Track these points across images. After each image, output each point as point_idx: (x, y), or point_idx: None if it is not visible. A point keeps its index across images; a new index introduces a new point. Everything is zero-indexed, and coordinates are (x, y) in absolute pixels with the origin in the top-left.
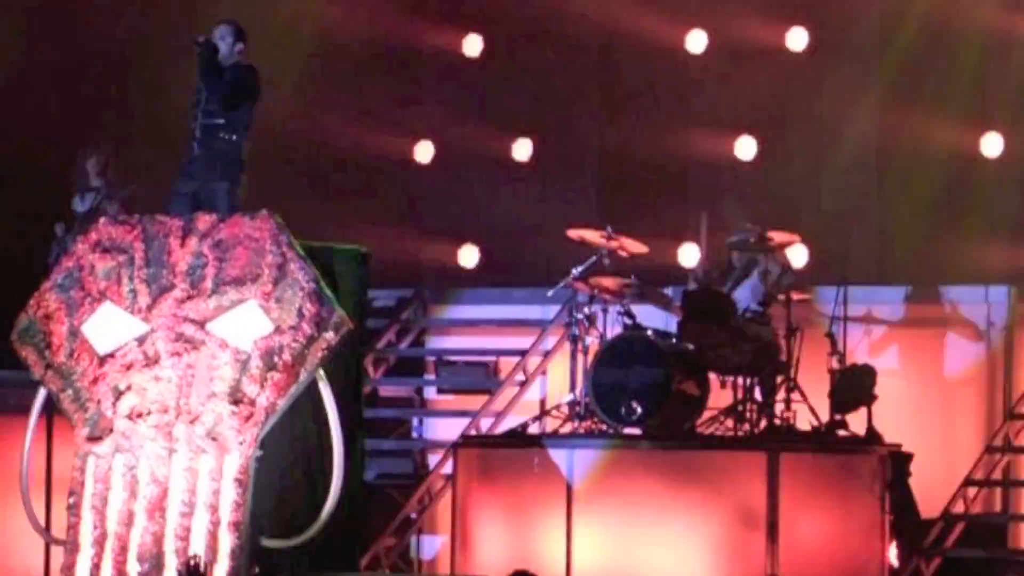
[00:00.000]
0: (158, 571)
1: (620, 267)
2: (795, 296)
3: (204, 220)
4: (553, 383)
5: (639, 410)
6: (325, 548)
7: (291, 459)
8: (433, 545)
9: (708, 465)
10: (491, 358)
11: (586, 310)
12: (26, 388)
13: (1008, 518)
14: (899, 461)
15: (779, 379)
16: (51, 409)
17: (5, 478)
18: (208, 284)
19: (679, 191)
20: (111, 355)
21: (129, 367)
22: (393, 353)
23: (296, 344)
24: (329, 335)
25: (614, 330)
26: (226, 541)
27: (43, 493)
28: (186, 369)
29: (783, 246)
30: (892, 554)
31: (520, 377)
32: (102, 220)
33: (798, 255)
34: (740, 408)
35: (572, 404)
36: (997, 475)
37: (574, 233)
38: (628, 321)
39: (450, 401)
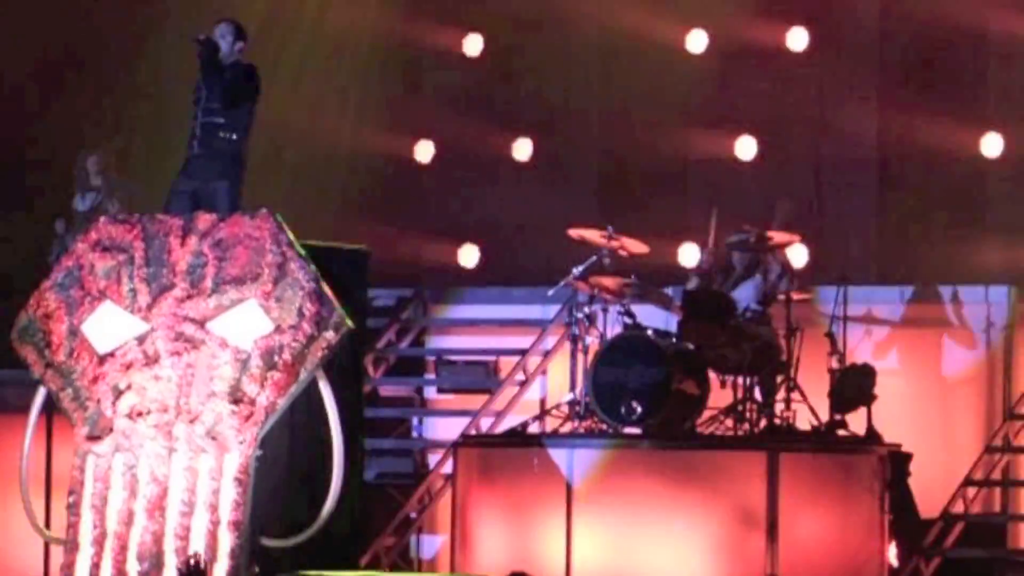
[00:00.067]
0: (158, 570)
1: (620, 267)
2: (795, 296)
3: (204, 219)
4: (553, 383)
5: (639, 410)
6: (325, 547)
7: (291, 458)
8: (433, 544)
9: (708, 465)
10: (491, 357)
11: (586, 309)
12: (26, 387)
13: (1007, 518)
14: (899, 461)
15: (779, 379)
16: (51, 408)
17: (5, 477)
18: (208, 283)
19: (679, 191)
20: (111, 354)
21: (129, 366)
22: (393, 352)
23: (296, 343)
24: (329, 334)
25: (614, 330)
26: (226, 540)
27: (43, 492)
28: (186, 368)
29: (783, 246)
30: (891, 554)
31: (520, 377)
32: (102, 219)
33: (798, 255)
34: (740, 408)
35: (572, 404)
36: (996, 475)
37: (574, 233)
38: (628, 320)
39: (450, 400)
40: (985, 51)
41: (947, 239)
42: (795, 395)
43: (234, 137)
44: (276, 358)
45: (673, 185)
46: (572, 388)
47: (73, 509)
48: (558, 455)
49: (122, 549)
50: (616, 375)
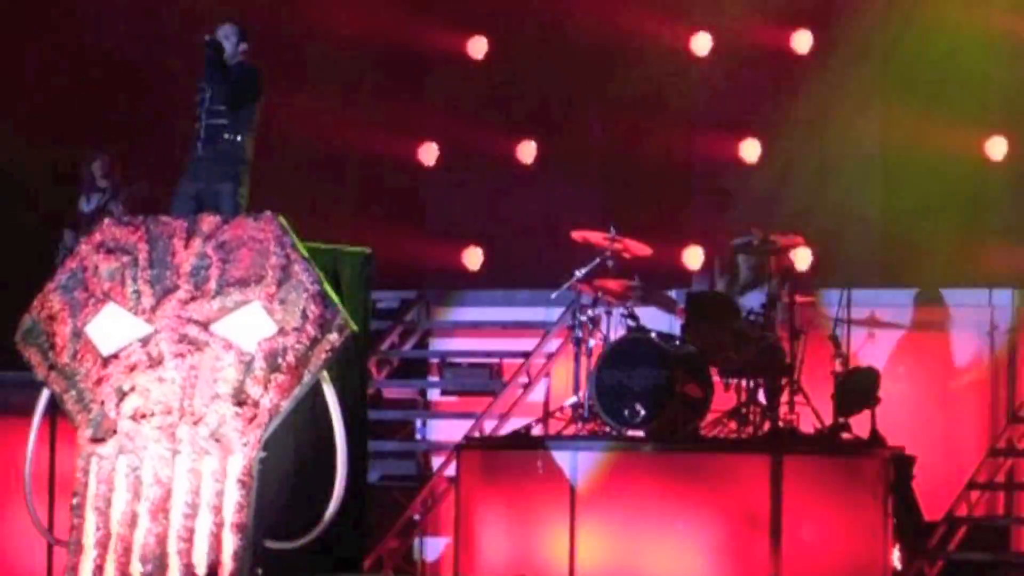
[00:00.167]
0: (161, 572)
1: (624, 269)
2: (799, 299)
3: (208, 221)
4: (556, 385)
5: (642, 412)
6: (328, 550)
7: (294, 461)
8: (436, 547)
9: (711, 467)
10: (495, 360)
11: (590, 312)
12: (30, 389)
13: (1011, 521)
14: (902, 464)
15: (783, 382)
16: (55, 410)
17: (9, 479)
18: (212, 285)
19: (683, 193)
20: (115, 356)
21: (133, 368)
22: (397, 355)
23: (300, 346)
24: (333, 337)
25: (617, 332)
26: (229, 542)
27: (46, 494)
28: (190, 370)
29: (787, 249)
30: (895, 557)
31: (524, 379)
32: (106, 221)
33: (802, 258)
34: (743, 410)
35: (575, 406)
36: (1000, 478)
37: (578, 235)
38: (631, 323)
39: (454, 403)
40: (990, 54)
41: (951, 242)
42: (799, 398)
43: (238, 139)
44: (280, 360)
45: (677, 187)
46: (575, 391)
47: (77, 511)
48: (561, 458)
49: (125, 551)
50: (619, 378)
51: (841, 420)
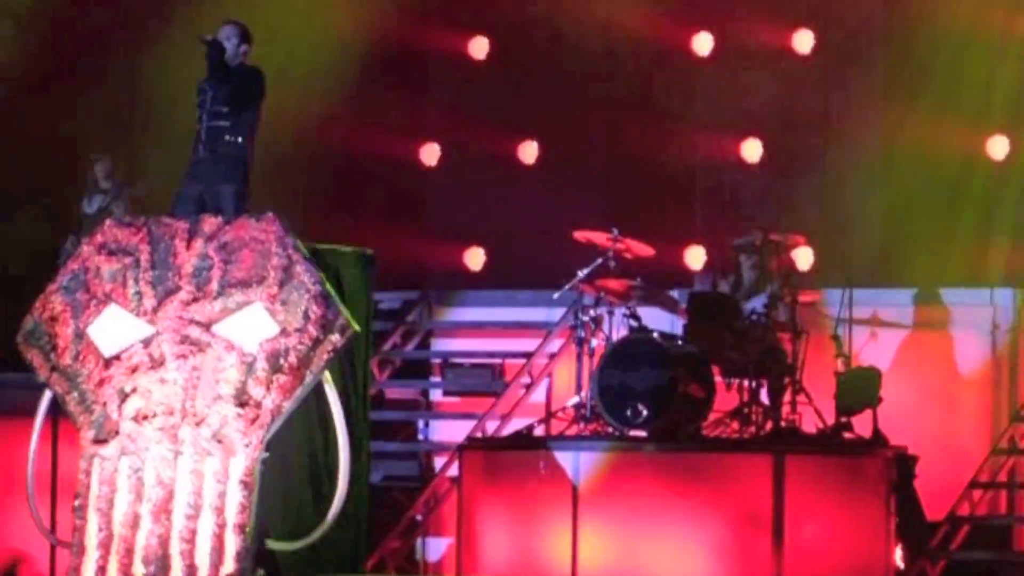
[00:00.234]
0: (163, 573)
1: (626, 269)
2: (801, 299)
3: (210, 222)
4: (559, 385)
5: (644, 412)
6: (331, 550)
7: (297, 461)
8: (439, 547)
9: (713, 467)
10: (497, 360)
11: (592, 312)
12: (31, 390)
13: (1014, 520)
14: (904, 463)
15: (785, 381)
16: (57, 411)
17: (11, 481)
18: (214, 286)
19: (685, 193)
20: (117, 357)
21: (135, 369)
22: (399, 355)
23: (302, 346)
24: (335, 337)
25: (619, 332)
26: (232, 543)
27: (48, 496)
28: (192, 371)
29: (788, 248)
30: (897, 556)
31: (526, 379)
32: (108, 222)
33: (803, 257)
34: (746, 410)
35: (578, 406)
36: (1002, 477)
37: (580, 235)
38: (634, 323)
39: (456, 403)
40: (991, 53)
41: (953, 241)
42: (801, 397)
43: (240, 140)
44: (282, 361)
45: (679, 187)
46: (578, 391)
47: (79, 512)
48: (564, 458)
49: (128, 552)
50: (621, 378)
51: (843, 420)
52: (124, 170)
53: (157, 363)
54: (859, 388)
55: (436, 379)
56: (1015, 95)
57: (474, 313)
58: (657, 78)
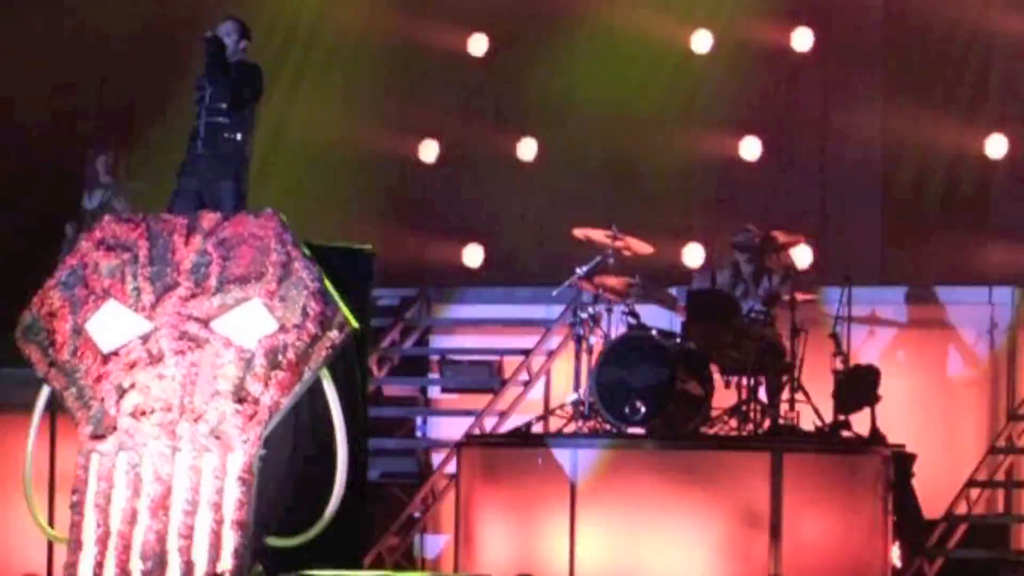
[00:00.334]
0: (161, 569)
1: (624, 267)
2: (799, 297)
3: (208, 218)
4: (557, 383)
5: (643, 410)
6: (329, 547)
7: (295, 458)
8: (437, 544)
9: (712, 465)
10: (495, 357)
11: (590, 309)
12: (30, 386)
13: (1011, 519)
14: (902, 462)
15: (783, 379)
16: (55, 407)
17: (8, 476)
18: (212, 282)
19: (684, 191)
20: (115, 353)
21: (133, 365)
22: (397, 352)
23: (300, 343)
24: (333, 334)
25: (618, 330)
26: (229, 540)
27: (46, 491)
28: (190, 367)
29: (787, 247)
30: (895, 555)
31: (524, 376)
32: (106, 218)
33: (802, 256)
34: (744, 408)
35: (576, 404)
36: (1000, 476)
37: (579, 232)
38: (632, 321)
39: (454, 400)
40: (990, 52)
41: (951, 240)
42: (799, 396)
43: (238, 137)
44: (280, 357)
45: (677, 185)
46: (576, 388)
47: (77, 508)
48: (562, 455)
49: (125, 548)
50: (620, 375)
51: (841, 418)
52: (124, 166)
53: (155, 359)
54: (857, 386)
55: (434, 376)
56: (1013, 93)
57: (473, 310)
58: (656, 76)
